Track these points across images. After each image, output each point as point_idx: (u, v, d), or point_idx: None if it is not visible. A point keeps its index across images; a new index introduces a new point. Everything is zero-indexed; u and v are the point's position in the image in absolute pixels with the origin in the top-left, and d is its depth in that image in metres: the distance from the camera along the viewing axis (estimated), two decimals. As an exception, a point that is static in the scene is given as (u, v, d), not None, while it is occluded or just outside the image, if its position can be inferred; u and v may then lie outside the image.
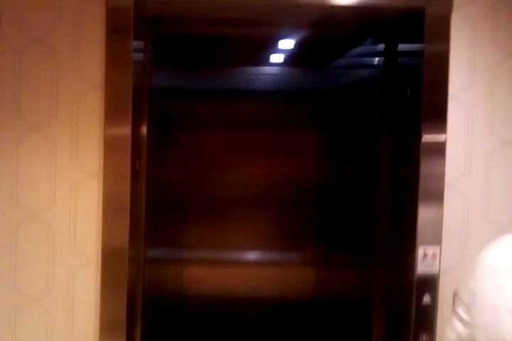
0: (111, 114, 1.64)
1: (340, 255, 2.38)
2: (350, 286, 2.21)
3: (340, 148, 2.41)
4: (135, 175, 1.69)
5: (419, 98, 1.68)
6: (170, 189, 2.42)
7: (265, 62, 2.57)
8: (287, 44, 2.48)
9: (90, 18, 1.66)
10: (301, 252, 2.53)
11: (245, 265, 2.54)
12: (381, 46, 2.02)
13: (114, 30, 1.64)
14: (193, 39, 2.32)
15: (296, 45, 2.47)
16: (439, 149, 1.66)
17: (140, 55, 1.76)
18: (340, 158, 2.40)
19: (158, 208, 2.15)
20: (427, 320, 1.66)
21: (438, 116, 1.67)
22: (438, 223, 1.66)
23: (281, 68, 2.59)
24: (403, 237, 1.74)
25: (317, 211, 2.50)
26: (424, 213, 1.65)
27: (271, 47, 2.52)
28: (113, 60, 1.64)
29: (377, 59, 2.05)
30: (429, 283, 1.65)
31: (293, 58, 2.57)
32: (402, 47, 1.88)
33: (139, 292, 1.84)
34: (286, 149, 2.54)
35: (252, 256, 2.54)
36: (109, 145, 1.63)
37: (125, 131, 1.63)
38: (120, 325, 1.65)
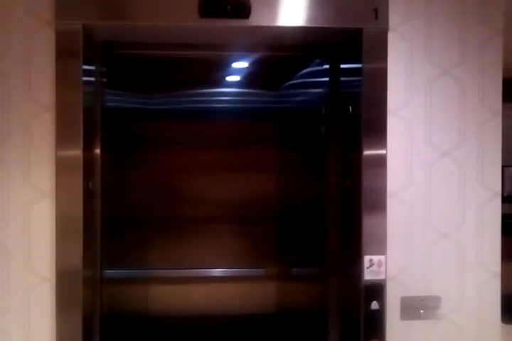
0: (62, 135, 1.67)
1: (301, 268, 2.43)
2: (308, 298, 2.25)
3: (297, 165, 2.48)
4: (88, 195, 1.72)
5: (360, 114, 1.76)
6: (132, 209, 2.45)
7: (221, 83, 2.64)
8: (241, 66, 2.55)
9: (40, 42, 1.69)
10: (264, 267, 2.57)
11: (210, 281, 2.57)
12: (326, 66, 2.10)
13: (64, 54, 1.68)
14: (148, 61, 2.38)
15: (250, 66, 2.55)
16: (380, 161, 1.74)
17: (92, 78, 1.81)
18: (298, 174, 2.46)
19: (119, 228, 2.17)
20: (376, 325, 1.71)
21: (377, 131, 1.76)
22: (382, 231, 1.73)
23: (236, 89, 2.66)
24: (351, 247, 1.81)
25: (278, 226, 2.55)
26: (368, 222, 1.72)
27: (226, 68, 2.59)
28: (63, 83, 1.68)
29: (323, 78, 2.14)
30: (377, 290, 1.71)
31: (247, 79, 2.64)
32: (344, 66, 1.96)
33: (97, 312, 1.85)
34: (245, 167, 2.59)
35: (216, 272, 2.56)
36: (61, 167, 1.66)
37: (76, 152, 1.67)
38: (76, 344, 1.66)
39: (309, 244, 2.25)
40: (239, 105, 2.62)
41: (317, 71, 2.22)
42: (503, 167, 4.99)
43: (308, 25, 1.75)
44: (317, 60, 2.21)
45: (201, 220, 2.58)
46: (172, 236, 2.54)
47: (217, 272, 2.59)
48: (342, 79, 1.98)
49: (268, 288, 2.56)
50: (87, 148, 1.74)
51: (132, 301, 2.43)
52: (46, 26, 1.69)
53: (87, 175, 1.73)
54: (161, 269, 2.51)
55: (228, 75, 2.63)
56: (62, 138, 1.67)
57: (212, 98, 2.64)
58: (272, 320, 2.55)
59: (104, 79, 1.96)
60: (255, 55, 2.33)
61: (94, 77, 1.84)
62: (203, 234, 2.58)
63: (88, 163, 1.75)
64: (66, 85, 1.69)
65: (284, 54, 2.12)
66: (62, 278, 1.66)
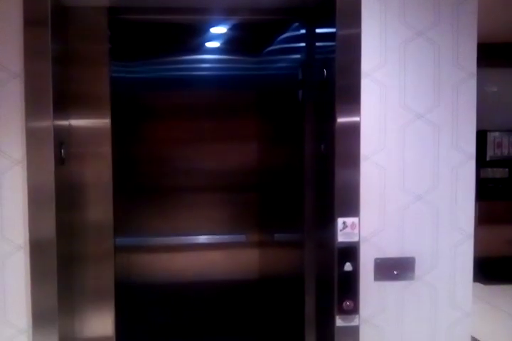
0: (32, 103, 1.65)
1: (280, 234, 2.45)
2: (287, 262, 2.28)
3: (277, 131, 2.47)
4: (59, 164, 1.71)
5: (334, 81, 1.75)
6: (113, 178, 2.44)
7: (201, 50, 2.62)
8: (220, 31, 2.53)
9: (8, 8, 1.66)
10: (246, 234, 2.59)
11: (194, 249, 2.59)
12: (303, 31, 2.08)
13: (32, 21, 1.66)
14: (124, 27, 2.33)
15: (229, 32, 2.52)
16: (353, 128, 1.74)
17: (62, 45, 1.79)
18: (278, 141, 2.46)
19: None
20: (350, 286, 1.73)
21: (351, 98, 1.75)
22: (355, 194, 1.74)
23: (214, 56, 2.63)
24: (325, 211, 1.81)
25: (259, 193, 2.56)
26: (341, 186, 1.73)
27: (204, 34, 2.56)
28: (31, 50, 1.66)
29: (301, 43, 2.12)
30: (350, 252, 1.73)
31: (226, 45, 2.62)
32: (319, 30, 1.94)
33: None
34: (224, 135, 2.59)
35: (199, 240, 2.59)
36: (31, 135, 1.65)
37: (46, 120, 1.65)
38: (52, 314, 1.68)
39: (289, 209, 2.26)
40: (216, 72, 2.60)
41: (294, 36, 2.20)
42: (486, 131, 5.03)
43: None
44: (294, 25, 2.19)
45: (183, 189, 2.58)
46: (154, 204, 2.55)
47: (202, 239, 2.61)
48: (317, 44, 1.95)
49: (249, 254, 2.59)
50: (58, 116, 1.73)
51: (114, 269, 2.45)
52: (13, -9, 1.66)
53: (58, 143, 1.72)
54: (143, 237, 2.53)
55: (207, 41, 2.61)
56: (31, 105, 1.66)
57: (195, 65, 2.61)
58: (252, 284, 2.58)
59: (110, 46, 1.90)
60: (234, 20, 2.30)
61: (101, 43, 1.85)
62: (184, 202, 2.59)
63: (60, 131, 1.74)
64: (34, 53, 1.66)
65: (261, 17, 2.09)
66: (36, 246, 1.66)
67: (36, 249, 1.66)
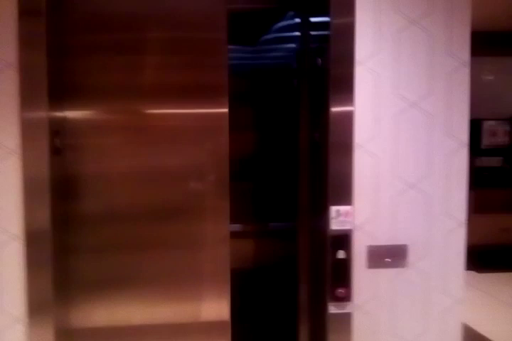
0: (26, 93, 1.66)
1: (275, 223, 2.46)
2: (281, 250, 2.29)
3: (271, 120, 2.48)
4: (54, 154, 1.72)
5: (328, 70, 1.75)
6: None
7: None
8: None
9: (2, -1, 1.66)
10: (240, 223, 2.59)
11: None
12: (298, 19, 2.09)
13: (27, 12, 1.66)
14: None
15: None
16: (347, 117, 1.75)
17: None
18: (272, 130, 2.46)
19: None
20: (343, 274, 1.75)
21: (345, 88, 1.75)
22: (348, 183, 1.75)
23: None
24: (319, 199, 1.83)
25: (253, 182, 2.57)
26: (334, 175, 1.74)
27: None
28: (26, 41, 1.66)
29: (295, 32, 2.12)
30: (343, 240, 1.74)
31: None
32: (314, 19, 1.94)
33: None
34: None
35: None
36: (26, 125, 1.66)
37: (41, 110, 1.66)
38: (47, 303, 1.70)
39: (282, 198, 2.27)
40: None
41: (289, 25, 2.20)
42: (482, 120, 5.04)
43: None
44: (289, 14, 2.19)
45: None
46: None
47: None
48: (312, 33, 1.96)
49: (244, 243, 2.60)
50: (54, 106, 1.73)
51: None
52: (8, -18, 1.66)
53: (53, 133, 1.72)
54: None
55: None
56: (26, 95, 1.66)
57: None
58: (246, 273, 2.60)
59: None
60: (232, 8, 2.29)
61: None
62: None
63: (55, 121, 1.75)
64: (29, 44, 1.66)
65: (257, 6, 2.09)
66: (31, 237, 1.67)
67: (32, 239, 1.67)
